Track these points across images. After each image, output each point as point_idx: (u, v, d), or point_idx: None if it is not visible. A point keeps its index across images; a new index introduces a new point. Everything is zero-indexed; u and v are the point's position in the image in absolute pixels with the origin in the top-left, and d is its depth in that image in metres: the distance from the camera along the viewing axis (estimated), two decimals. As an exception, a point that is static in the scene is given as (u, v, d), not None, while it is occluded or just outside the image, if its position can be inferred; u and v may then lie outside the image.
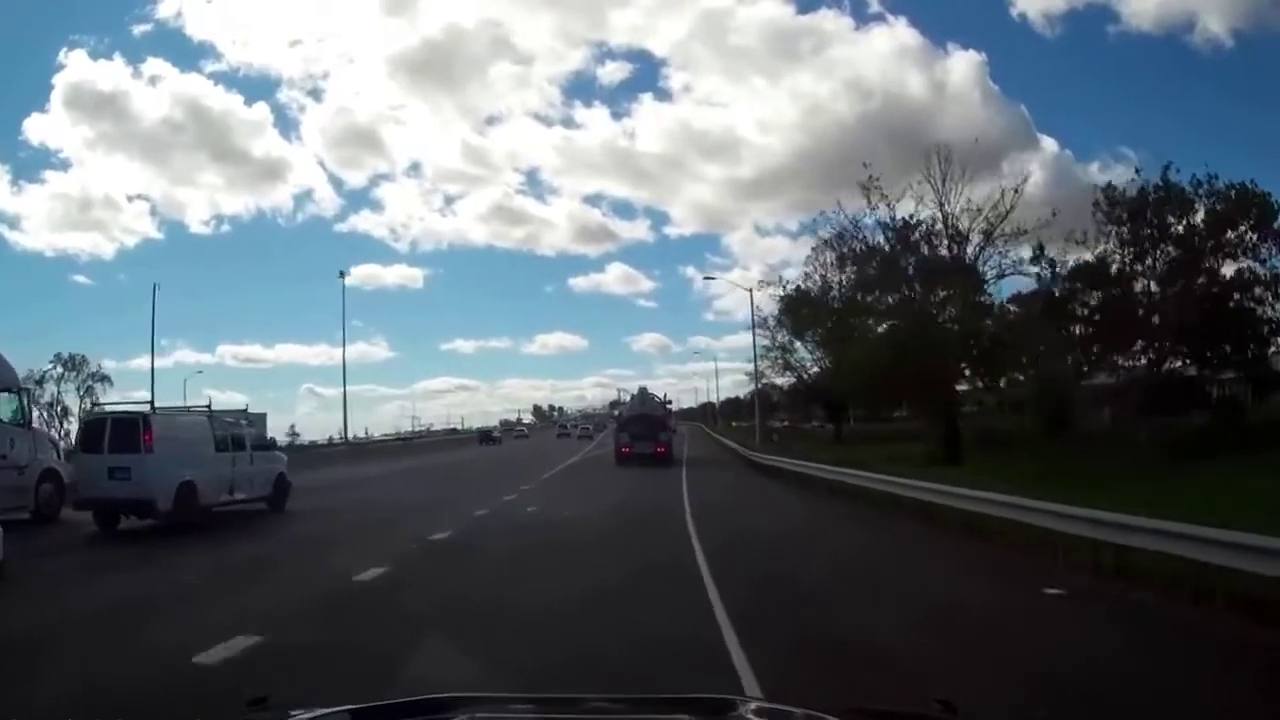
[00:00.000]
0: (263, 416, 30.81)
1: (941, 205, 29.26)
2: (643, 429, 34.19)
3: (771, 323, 46.72)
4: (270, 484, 16.37)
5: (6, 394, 15.25)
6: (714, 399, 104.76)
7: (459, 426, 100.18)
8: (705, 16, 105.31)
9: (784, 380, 53.20)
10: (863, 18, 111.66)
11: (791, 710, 1.83)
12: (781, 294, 43.34)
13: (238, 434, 15.50)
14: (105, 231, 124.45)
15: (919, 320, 28.51)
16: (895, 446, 31.91)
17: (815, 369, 46.94)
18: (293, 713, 1.80)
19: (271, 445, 17.70)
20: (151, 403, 14.81)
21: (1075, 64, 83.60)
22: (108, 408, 15.82)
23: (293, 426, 68.70)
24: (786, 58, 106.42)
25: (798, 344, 47.05)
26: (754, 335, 45.46)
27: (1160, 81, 78.17)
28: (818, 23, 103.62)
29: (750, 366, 48.90)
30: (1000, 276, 30.12)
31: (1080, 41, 75.24)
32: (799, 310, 42.18)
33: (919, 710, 2.08)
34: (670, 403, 43.51)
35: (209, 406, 15.84)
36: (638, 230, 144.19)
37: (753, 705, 1.87)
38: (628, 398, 43.56)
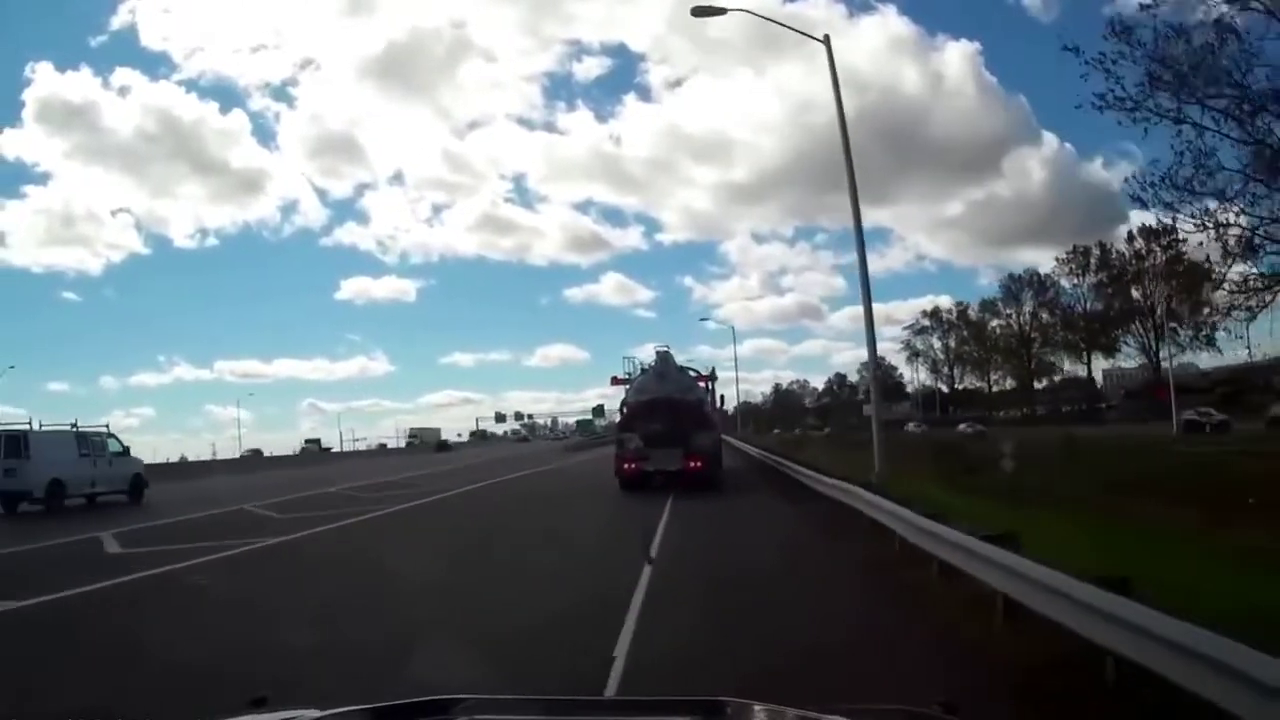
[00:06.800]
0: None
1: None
2: (664, 426, 20.10)
3: None
4: (127, 481, 22.43)
5: None
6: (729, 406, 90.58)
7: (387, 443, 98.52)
8: (683, 7, 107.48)
9: None
10: (854, 5, 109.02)
11: (790, 710, 1.80)
12: None
13: (94, 443, 21.60)
14: (90, 246, 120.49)
15: None
16: None
17: None
18: (293, 713, 1.80)
19: (126, 452, 23.58)
20: (29, 421, 20.76)
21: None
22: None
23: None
24: (772, 51, 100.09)
25: None
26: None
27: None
28: (804, 11, 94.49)
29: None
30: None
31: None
32: None
33: (919, 710, 2.05)
34: (712, 380, 27.90)
35: (75, 425, 21.82)
36: (630, 238, 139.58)
37: (750, 706, 1.79)
38: (638, 371, 25.85)
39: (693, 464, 19.69)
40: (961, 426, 49.62)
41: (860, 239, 18.19)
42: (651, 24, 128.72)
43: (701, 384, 24.95)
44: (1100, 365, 75.83)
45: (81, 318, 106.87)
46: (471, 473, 32.23)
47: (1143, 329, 68.26)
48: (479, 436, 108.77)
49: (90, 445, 21.46)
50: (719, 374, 34.65)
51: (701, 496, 17.70)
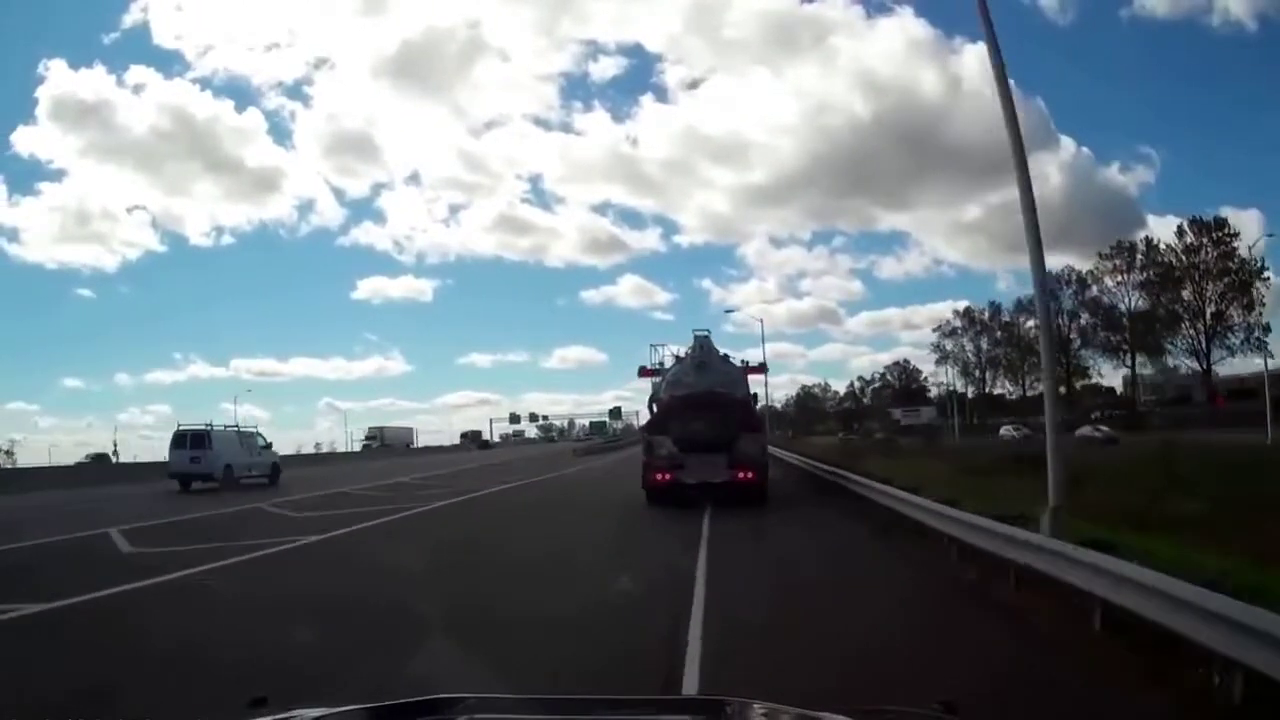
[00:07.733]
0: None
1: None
2: (705, 427, 16.89)
3: None
4: (269, 468, 29.35)
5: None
6: (764, 399, 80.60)
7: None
8: (699, 7, 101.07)
9: None
10: (871, 6, 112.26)
11: (789, 710, 1.81)
12: None
13: (250, 439, 28.65)
14: (106, 244, 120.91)
15: None
16: None
17: None
18: (293, 713, 1.82)
19: (269, 447, 30.63)
20: (209, 423, 27.66)
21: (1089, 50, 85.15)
22: (181, 426, 28.01)
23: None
24: (790, 52, 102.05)
25: None
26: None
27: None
28: (822, 12, 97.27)
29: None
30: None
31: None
32: None
33: (919, 710, 2.04)
34: (763, 372, 24.88)
35: (238, 425, 28.98)
36: (648, 240, 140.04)
37: (750, 705, 1.79)
38: (670, 360, 21.84)
39: (742, 475, 16.38)
40: (1084, 429, 43.18)
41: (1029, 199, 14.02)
42: (668, 24, 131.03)
43: (744, 372, 20.65)
44: (1122, 372, 73.96)
45: (97, 314, 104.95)
46: (457, 481, 27.40)
47: (1194, 329, 66.10)
48: (471, 439, 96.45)
49: (247, 440, 28.45)
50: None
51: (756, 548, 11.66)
